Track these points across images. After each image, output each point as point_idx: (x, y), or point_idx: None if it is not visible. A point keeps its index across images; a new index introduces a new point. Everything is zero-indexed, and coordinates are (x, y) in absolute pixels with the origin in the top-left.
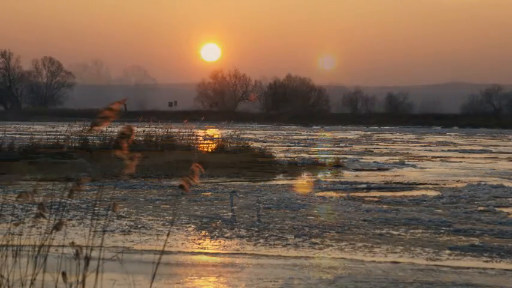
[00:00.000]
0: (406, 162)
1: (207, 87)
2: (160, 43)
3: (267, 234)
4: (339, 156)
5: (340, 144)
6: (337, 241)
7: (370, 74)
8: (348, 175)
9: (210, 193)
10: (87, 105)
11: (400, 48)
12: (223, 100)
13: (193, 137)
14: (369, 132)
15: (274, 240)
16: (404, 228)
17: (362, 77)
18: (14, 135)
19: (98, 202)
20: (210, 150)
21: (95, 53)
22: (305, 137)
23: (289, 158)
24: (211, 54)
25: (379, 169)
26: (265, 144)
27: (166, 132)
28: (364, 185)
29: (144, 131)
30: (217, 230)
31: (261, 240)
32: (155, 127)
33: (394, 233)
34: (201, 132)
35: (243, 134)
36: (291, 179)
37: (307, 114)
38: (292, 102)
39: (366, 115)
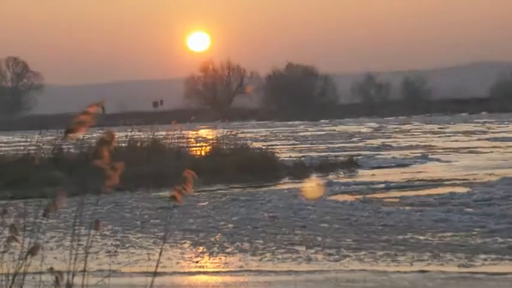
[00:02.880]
0: (429, 156)
1: (196, 82)
2: (138, 34)
3: (274, 247)
4: (351, 153)
5: (353, 139)
6: (355, 251)
7: (382, 58)
8: (363, 174)
9: (206, 203)
10: (59, 110)
11: (415, 26)
12: (215, 96)
13: (184, 140)
14: (384, 124)
15: (283, 253)
16: (431, 231)
17: (373, 61)
18: None
19: (78, 220)
20: (203, 153)
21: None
22: (312, 133)
23: (294, 158)
24: (199, 44)
25: (399, 165)
26: (266, 143)
27: (152, 136)
28: (383, 185)
29: (126, 136)
30: (217, 245)
31: (268, 255)
32: (139, 131)
33: (420, 237)
34: (192, 134)
35: (241, 133)
36: (298, 182)
37: (313, 107)
38: (295, 94)
39: (380, 104)
